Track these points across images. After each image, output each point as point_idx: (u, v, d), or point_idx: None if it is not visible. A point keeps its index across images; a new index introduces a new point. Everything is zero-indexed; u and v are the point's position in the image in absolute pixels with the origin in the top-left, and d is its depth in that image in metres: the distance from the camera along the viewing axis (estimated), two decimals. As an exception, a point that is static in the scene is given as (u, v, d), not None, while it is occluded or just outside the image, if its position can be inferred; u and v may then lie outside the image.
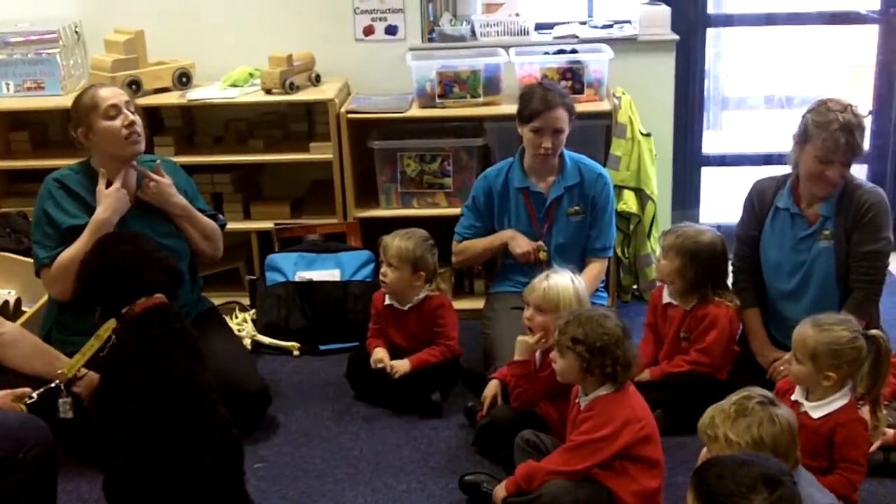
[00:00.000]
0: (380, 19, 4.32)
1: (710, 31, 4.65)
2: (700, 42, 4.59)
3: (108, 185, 3.11)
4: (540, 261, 3.53)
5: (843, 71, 5.97)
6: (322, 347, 3.86)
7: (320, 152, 4.10)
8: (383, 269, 3.40)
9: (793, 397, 2.68)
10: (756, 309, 3.35)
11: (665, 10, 4.29)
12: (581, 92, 4.04)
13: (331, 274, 3.97)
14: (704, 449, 2.19)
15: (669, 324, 3.28)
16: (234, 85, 4.18)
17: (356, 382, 3.49)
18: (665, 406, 3.03)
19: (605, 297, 3.79)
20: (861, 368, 2.61)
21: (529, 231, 3.59)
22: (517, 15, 4.35)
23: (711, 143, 5.12)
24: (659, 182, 4.18)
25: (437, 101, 4.08)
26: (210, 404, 2.48)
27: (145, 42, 4.15)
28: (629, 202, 4.06)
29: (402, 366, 3.33)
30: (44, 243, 3.11)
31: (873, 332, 2.64)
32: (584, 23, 4.50)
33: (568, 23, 4.50)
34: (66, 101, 3.74)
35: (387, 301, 3.46)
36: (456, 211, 3.88)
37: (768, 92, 6.44)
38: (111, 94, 3.14)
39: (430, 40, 4.35)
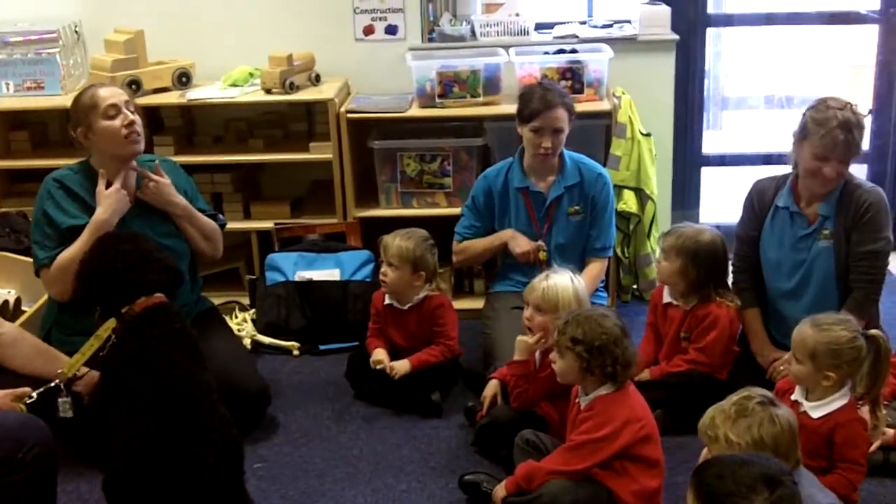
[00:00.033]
0: (380, 19, 4.32)
1: (710, 31, 4.66)
2: (700, 42, 4.59)
3: (108, 185, 3.12)
4: (540, 261, 3.53)
5: (843, 71, 5.97)
6: (322, 347, 3.86)
7: (320, 152, 4.10)
8: (383, 268, 3.40)
9: (792, 397, 2.67)
10: (756, 309, 3.35)
11: (665, 10, 4.29)
12: (581, 92, 4.04)
13: (330, 274, 3.97)
14: (705, 449, 2.19)
15: (670, 323, 3.28)
16: (234, 85, 4.18)
17: (356, 382, 3.49)
18: (665, 406, 3.03)
19: (605, 297, 3.79)
20: (861, 368, 2.61)
21: (529, 231, 3.59)
22: (517, 15, 4.35)
23: (711, 143, 5.12)
24: (659, 182, 4.18)
25: (437, 100, 4.08)
26: (210, 404, 2.48)
27: (145, 42, 4.15)
28: (629, 202, 4.06)
29: (401, 367, 3.33)
30: (43, 243, 3.11)
31: (873, 331, 2.64)
32: (583, 23, 4.50)
33: (568, 23, 4.50)
34: (65, 100, 3.74)
35: (386, 301, 3.46)
36: (456, 211, 3.88)
37: (768, 92, 6.43)
38: (110, 94, 3.13)
39: (430, 40, 4.35)
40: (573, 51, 4.17)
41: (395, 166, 4.12)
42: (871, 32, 4.65)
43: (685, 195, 4.72)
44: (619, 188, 3.99)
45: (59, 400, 2.72)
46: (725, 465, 1.80)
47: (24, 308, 3.54)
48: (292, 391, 3.55)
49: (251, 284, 4.13)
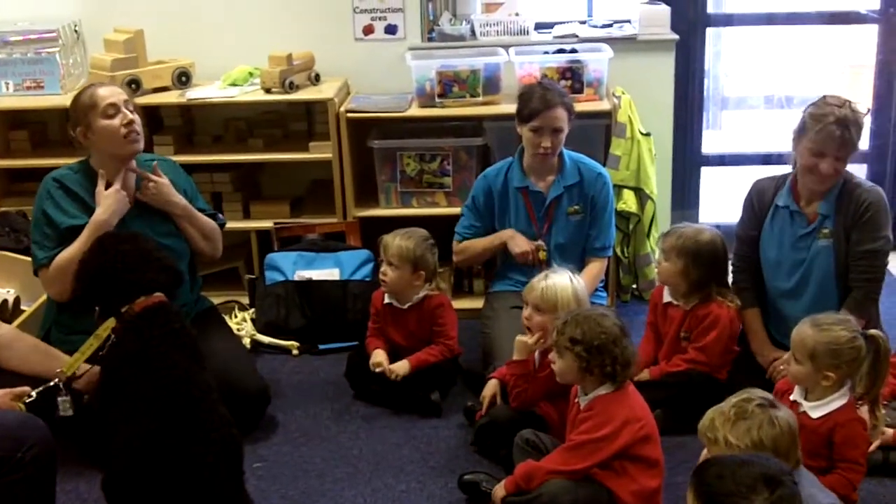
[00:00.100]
0: (379, 19, 4.32)
1: (709, 31, 4.66)
2: (700, 42, 4.59)
3: (108, 186, 3.11)
4: (539, 260, 3.53)
5: (842, 71, 5.96)
6: (321, 347, 3.86)
7: (320, 151, 4.10)
8: (383, 268, 3.39)
9: (792, 397, 2.67)
10: (756, 309, 3.35)
11: (665, 10, 4.29)
12: (581, 91, 4.03)
13: (330, 273, 3.97)
14: (705, 450, 2.19)
15: (670, 323, 3.28)
16: (233, 84, 4.18)
17: (355, 382, 3.49)
18: (664, 406, 3.03)
19: (605, 297, 3.79)
20: (860, 368, 2.61)
21: (529, 230, 3.59)
22: (517, 14, 4.35)
23: (711, 143, 5.11)
24: (658, 182, 4.18)
25: (437, 100, 4.07)
26: (210, 404, 2.48)
27: (145, 41, 4.15)
28: (629, 202, 4.06)
29: (401, 368, 3.32)
30: (42, 243, 3.11)
31: (872, 331, 2.64)
32: (583, 22, 4.50)
33: (567, 22, 4.50)
34: (65, 100, 3.74)
35: (386, 300, 3.46)
36: (455, 210, 3.88)
37: (768, 92, 6.43)
38: (110, 93, 3.13)
39: (430, 40, 4.35)
40: (573, 50, 4.17)
41: (395, 166, 4.12)
42: (871, 32, 4.65)
43: (685, 195, 4.72)
44: (619, 188, 3.99)
45: (59, 399, 2.72)
46: (725, 464, 1.80)
47: (23, 307, 3.54)
48: (292, 391, 3.55)
49: (251, 284, 4.13)
